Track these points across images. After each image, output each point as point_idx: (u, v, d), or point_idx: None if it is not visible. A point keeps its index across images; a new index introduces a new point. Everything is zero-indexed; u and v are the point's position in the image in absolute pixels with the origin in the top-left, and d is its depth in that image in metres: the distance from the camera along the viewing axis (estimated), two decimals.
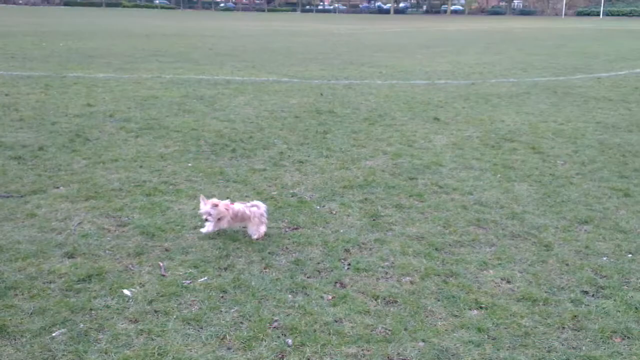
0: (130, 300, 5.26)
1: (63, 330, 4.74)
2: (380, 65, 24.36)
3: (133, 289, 5.45)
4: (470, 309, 5.28)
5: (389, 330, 4.91)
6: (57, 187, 8.08)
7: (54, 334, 4.67)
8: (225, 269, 5.92)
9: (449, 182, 8.86)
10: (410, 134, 11.99)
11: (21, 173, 8.56)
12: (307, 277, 5.79)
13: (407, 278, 5.83)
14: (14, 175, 8.41)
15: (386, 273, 5.94)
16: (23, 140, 10.45)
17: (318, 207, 7.72)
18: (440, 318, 5.13)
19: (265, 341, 4.68)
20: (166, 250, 6.31)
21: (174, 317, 5.00)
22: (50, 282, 5.49)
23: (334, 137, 11.53)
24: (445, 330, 4.94)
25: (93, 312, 5.05)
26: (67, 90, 16.25)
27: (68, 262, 5.91)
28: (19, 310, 4.98)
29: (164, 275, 5.70)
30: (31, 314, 4.94)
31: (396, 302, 5.38)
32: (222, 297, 5.38)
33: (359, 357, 4.53)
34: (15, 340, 4.57)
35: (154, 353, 4.45)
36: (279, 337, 4.75)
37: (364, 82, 19.53)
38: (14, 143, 10.13)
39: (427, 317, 5.14)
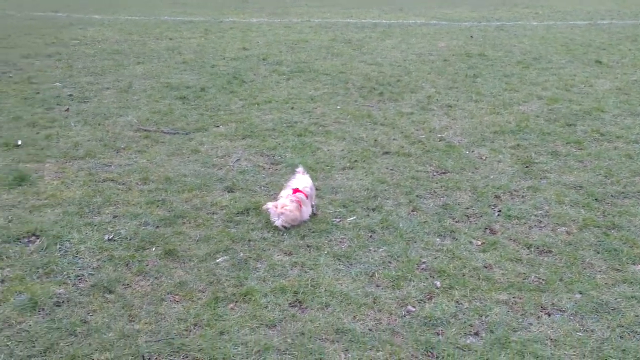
0: (285, 234, 5.54)
1: (226, 257, 5.12)
2: (536, 6, 22.82)
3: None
4: (634, 264, 4.97)
5: (543, 279, 4.77)
6: (217, 126, 8.59)
7: (217, 260, 5.06)
8: (374, 209, 6.02)
9: (611, 129, 8.25)
10: (569, 78, 11.23)
11: (185, 112, 9.19)
12: (456, 222, 5.74)
13: (563, 228, 5.59)
14: (180, 114, 9.05)
15: (540, 222, 5.73)
16: (187, 82, 11.16)
17: (467, 152, 7.55)
18: (600, 271, 4.89)
19: (413, 281, 4.75)
20: (317, 189, 6.53)
21: (325, 252, 5.21)
22: (213, 213, 5.92)
23: (484, 81, 11.10)
24: (605, 283, 4.71)
25: (251, 242, 5.39)
26: (224, 34, 17.05)
27: (228, 196, 6.32)
28: (187, 237, 5.44)
29: (314, 214, 5.93)
30: (197, 241, 5.38)
31: (550, 252, 5.19)
32: (370, 236, 5.50)
33: (510, 304, 4.47)
34: (184, 263, 5.02)
35: (308, 284, 4.68)
36: (427, 278, 4.80)
37: (518, 23, 18.44)
38: (179, 84, 10.86)
39: (584, 269, 4.92)
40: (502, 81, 11.10)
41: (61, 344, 3.91)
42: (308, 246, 5.33)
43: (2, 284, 4.57)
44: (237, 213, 5.94)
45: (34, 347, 3.87)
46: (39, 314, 4.23)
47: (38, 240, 5.24)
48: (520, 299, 4.53)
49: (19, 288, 4.51)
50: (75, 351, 3.83)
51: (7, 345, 3.86)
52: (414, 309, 4.39)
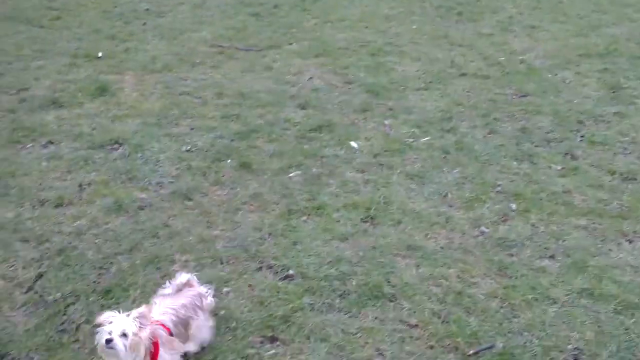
0: (357, 152, 5.54)
1: (298, 172, 5.18)
2: None
3: (359, 142, 5.71)
4: None
5: (626, 207, 4.62)
6: (290, 44, 8.51)
7: (290, 175, 5.14)
8: (448, 131, 5.91)
9: None
10: None
11: (259, 29, 9.13)
12: (535, 146, 5.58)
13: None
14: (253, 31, 9.00)
15: (625, 149, 5.49)
16: None
17: (549, 75, 7.23)
18: None
19: (487, 203, 4.69)
20: (390, 109, 6.44)
21: (398, 171, 5.19)
22: (286, 129, 5.96)
23: (570, 2, 10.46)
24: None
25: (324, 159, 5.42)
26: None
27: (301, 113, 6.33)
28: (260, 151, 5.53)
29: (388, 133, 5.88)
30: (271, 155, 5.46)
31: (635, 179, 4.99)
32: (444, 157, 5.43)
33: (590, 229, 4.36)
34: (258, 176, 5.12)
35: (380, 201, 4.70)
36: (501, 201, 4.73)
37: None
38: (252, 1, 10.74)
39: None
40: (590, 2, 10.43)
41: (145, 244, 4.12)
42: (381, 165, 5.32)
43: (89, 187, 4.80)
44: (310, 130, 5.95)
45: (120, 245, 4.09)
46: (124, 216, 4.45)
47: (121, 147, 5.44)
48: (600, 225, 4.41)
49: (105, 191, 4.73)
50: (158, 251, 4.03)
51: (95, 243, 4.10)
52: (487, 230, 4.36)
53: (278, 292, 3.70)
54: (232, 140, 5.70)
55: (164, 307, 3.06)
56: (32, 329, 3.29)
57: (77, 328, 3.33)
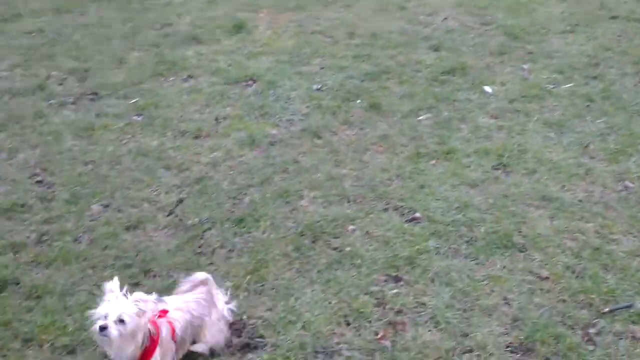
0: (491, 97, 5.31)
1: (429, 115, 5.07)
2: None
3: (494, 87, 5.47)
4: None
5: None
6: None
7: (420, 117, 5.04)
8: (594, 77, 5.51)
9: None
10: None
11: None
12: None
13: None
14: None
15: None
16: None
17: None
18: None
19: (634, 157, 4.35)
20: (529, 52, 6.09)
21: (535, 118, 4.93)
22: (417, 71, 5.83)
23: None
24: None
25: (456, 103, 5.26)
26: None
27: (433, 55, 6.15)
28: (391, 92, 5.45)
29: (526, 78, 5.57)
30: (401, 97, 5.37)
31: None
32: (587, 106, 5.08)
33: None
34: (388, 117, 5.07)
35: (514, 149, 4.51)
36: None
37: None
38: None
39: None
40: None
41: (275, 178, 4.25)
42: (516, 111, 5.08)
43: (225, 120, 5.00)
44: (442, 72, 5.78)
45: (252, 178, 4.25)
46: (256, 150, 4.60)
47: (254, 84, 5.59)
48: None
49: (239, 126, 4.90)
50: (288, 186, 4.14)
51: (230, 174, 4.28)
52: (632, 185, 4.06)
53: (404, 233, 3.69)
54: (362, 80, 5.67)
55: (179, 302, 2.74)
56: (172, 249, 3.53)
57: (213, 252, 3.52)
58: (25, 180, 4.15)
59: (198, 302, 2.74)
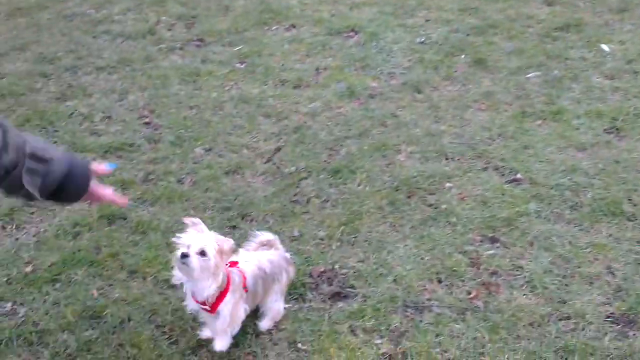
0: (608, 56, 4.98)
1: (538, 73, 4.83)
2: None
3: (611, 45, 5.12)
4: None
5: None
6: None
7: (528, 75, 4.81)
8: None
9: None
10: None
11: None
12: None
13: None
14: None
15: None
16: None
17: None
18: None
19: None
20: None
21: None
22: (528, 26, 5.53)
23: None
24: None
25: (568, 61, 4.97)
26: None
27: (547, 9, 5.81)
28: (498, 48, 5.22)
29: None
30: (509, 53, 5.13)
31: None
32: None
33: None
34: (493, 74, 4.87)
35: (629, 112, 4.23)
36: None
37: None
38: None
39: None
40: None
41: (373, 131, 4.21)
42: (635, 72, 4.74)
43: (325, 71, 4.99)
44: (555, 28, 5.46)
45: (350, 130, 4.23)
46: (355, 102, 4.57)
47: (356, 35, 5.51)
48: None
49: (339, 77, 4.87)
50: (386, 140, 4.10)
51: (328, 125, 4.29)
52: None
53: (503, 194, 3.58)
54: (467, 34, 5.46)
55: (249, 257, 2.65)
56: (269, 196, 3.61)
57: (308, 201, 3.57)
58: (134, 121, 4.35)
59: (272, 262, 2.65)
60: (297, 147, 4.05)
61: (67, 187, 1.72)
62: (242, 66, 5.08)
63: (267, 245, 2.75)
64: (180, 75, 4.90)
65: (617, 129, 4.08)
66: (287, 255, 2.83)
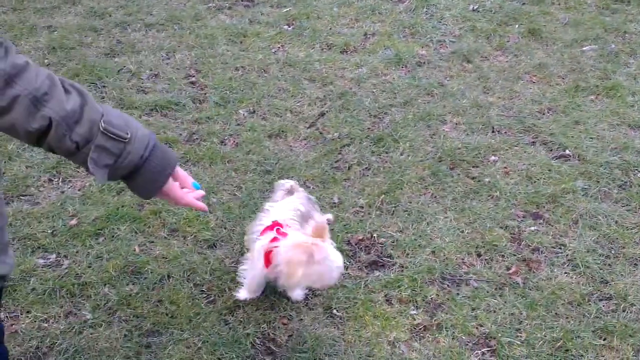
0: None
1: (594, 46, 4.65)
2: None
3: None
4: None
5: None
6: None
7: (584, 48, 4.64)
8: None
9: None
10: None
11: None
12: None
13: None
14: None
15: None
16: None
17: None
18: None
19: None
20: None
21: None
22: None
23: None
24: None
25: (627, 35, 4.78)
26: None
27: None
28: (553, 19, 5.04)
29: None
30: (565, 24, 4.95)
31: None
32: None
33: None
34: (547, 45, 4.72)
35: None
36: None
37: None
38: None
39: None
40: None
41: (419, 100, 4.15)
42: None
43: (373, 37, 4.91)
44: (615, 0, 5.24)
45: (395, 98, 4.18)
46: (402, 69, 4.49)
47: (407, 1, 5.39)
48: None
49: (387, 43, 4.79)
50: (431, 109, 4.03)
51: (373, 92, 4.24)
52: None
53: (549, 170, 3.49)
54: (523, 3, 5.28)
55: (284, 206, 2.61)
56: (310, 161, 3.60)
57: (349, 168, 3.55)
58: (180, 80, 4.37)
59: (302, 203, 2.62)
60: (340, 113, 4.02)
61: (142, 174, 1.49)
62: (290, 28, 5.04)
63: (290, 191, 2.75)
64: (227, 35, 4.89)
65: None
66: (309, 196, 2.80)
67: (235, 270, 2.75)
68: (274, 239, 2.36)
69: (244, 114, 4.01)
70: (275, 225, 2.43)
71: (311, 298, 2.67)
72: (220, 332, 2.48)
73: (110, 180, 1.48)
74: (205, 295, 2.69)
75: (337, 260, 2.31)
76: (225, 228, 3.04)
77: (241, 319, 2.54)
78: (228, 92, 4.22)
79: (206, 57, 4.59)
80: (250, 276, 2.56)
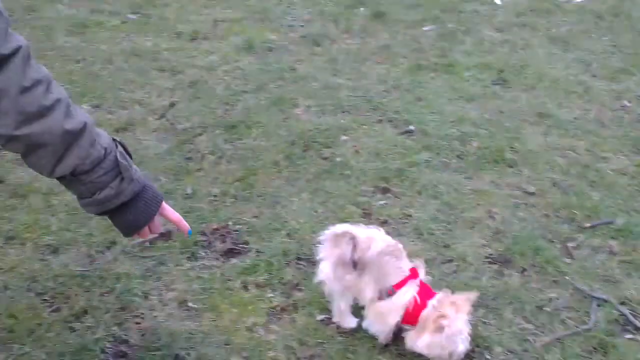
0: (500, 10, 5.15)
1: (433, 26, 4.93)
2: None
3: None
4: None
5: None
6: None
7: (424, 28, 4.90)
8: None
9: None
10: None
11: None
12: None
13: None
14: None
15: None
16: None
17: None
18: None
19: (635, 76, 4.27)
20: None
21: (540, 33, 4.80)
22: None
23: None
24: None
25: (462, 14, 5.11)
26: None
27: None
28: (397, 2, 5.29)
29: None
30: (407, 6, 5.21)
31: None
32: (596, 23, 4.92)
33: None
34: (391, 27, 4.94)
35: (516, 64, 4.41)
36: None
37: None
38: None
39: None
40: None
41: (271, 85, 4.19)
42: (523, 25, 4.94)
43: (223, 23, 4.87)
44: None
45: (247, 84, 4.19)
46: (253, 55, 4.51)
47: None
48: None
49: (237, 29, 4.78)
50: (283, 94, 4.09)
51: (225, 79, 4.22)
52: (629, 105, 3.99)
53: (396, 145, 3.67)
54: None
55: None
56: (162, 153, 3.52)
57: (202, 157, 3.52)
58: None
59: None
60: (192, 102, 3.97)
61: (141, 199, 1.63)
62: (135, 17, 4.88)
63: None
64: (67, 26, 4.64)
65: (503, 80, 4.26)
66: None
67: (82, 275, 2.64)
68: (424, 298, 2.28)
69: (87, 109, 3.83)
70: (413, 276, 2.33)
71: (165, 293, 2.64)
72: (67, 340, 2.36)
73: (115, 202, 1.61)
74: (48, 304, 2.55)
75: (466, 338, 2.22)
76: (69, 230, 2.90)
77: (89, 324, 2.44)
78: (69, 85, 4.01)
79: (44, 51, 4.33)
80: (379, 331, 2.38)
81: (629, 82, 4.19)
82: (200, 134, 3.69)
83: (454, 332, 2.19)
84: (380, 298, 2.31)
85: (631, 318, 2.54)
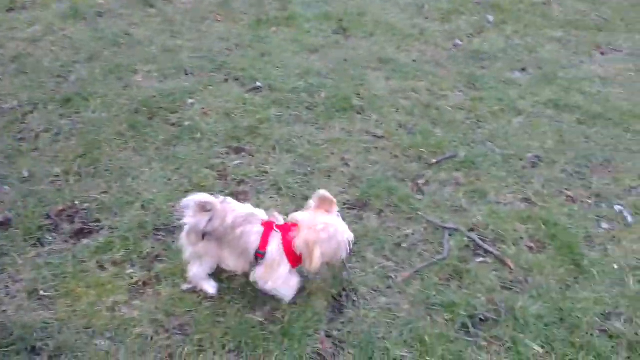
0: None
1: None
2: None
3: None
4: None
5: (603, 18, 4.47)
6: None
7: None
8: None
9: None
10: None
11: None
12: None
13: None
14: None
15: None
16: None
17: None
18: None
19: (465, 15, 4.51)
20: None
21: None
22: None
23: None
24: None
25: None
26: None
27: None
28: None
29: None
30: None
31: None
32: None
33: (564, 42, 4.25)
34: None
35: (353, 13, 4.49)
36: (479, 12, 4.53)
37: None
38: None
39: None
40: None
41: (105, 53, 3.93)
42: None
43: None
44: None
45: (78, 53, 3.89)
46: (81, 22, 4.19)
47: None
48: (575, 37, 4.29)
49: None
50: (120, 61, 3.85)
51: (52, 50, 3.89)
52: (461, 43, 4.22)
53: (245, 103, 3.61)
54: None
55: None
56: None
57: (37, 136, 3.24)
58: None
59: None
60: (17, 78, 3.62)
61: None
62: None
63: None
64: None
65: (343, 29, 4.32)
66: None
67: None
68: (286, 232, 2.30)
69: None
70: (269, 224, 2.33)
71: (12, 285, 2.42)
72: None
73: None
74: None
75: (345, 231, 2.30)
76: None
77: None
78: None
79: None
80: (284, 282, 2.36)
81: (460, 22, 4.42)
82: (31, 112, 3.39)
83: (334, 231, 2.30)
84: (253, 265, 2.34)
85: (480, 242, 2.73)
